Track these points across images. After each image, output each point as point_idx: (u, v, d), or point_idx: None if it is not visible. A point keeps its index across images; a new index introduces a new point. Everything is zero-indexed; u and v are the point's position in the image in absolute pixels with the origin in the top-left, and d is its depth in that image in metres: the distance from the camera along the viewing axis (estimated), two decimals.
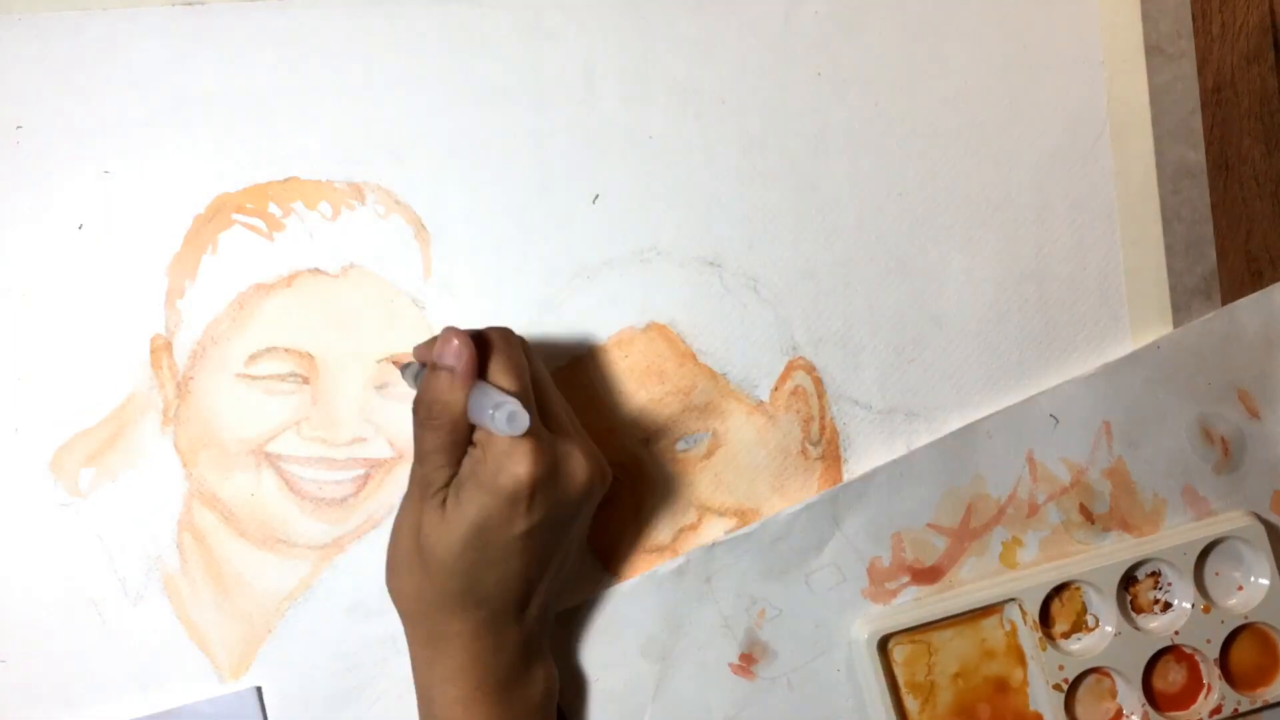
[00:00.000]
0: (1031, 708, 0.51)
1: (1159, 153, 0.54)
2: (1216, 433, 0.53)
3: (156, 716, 0.49)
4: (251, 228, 0.52)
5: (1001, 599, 0.51)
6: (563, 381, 0.52)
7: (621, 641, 0.50)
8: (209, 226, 0.51)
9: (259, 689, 0.50)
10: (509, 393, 0.42)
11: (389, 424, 0.51)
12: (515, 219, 0.52)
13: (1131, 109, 0.54)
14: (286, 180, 0.52)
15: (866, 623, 0.51)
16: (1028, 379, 0.54)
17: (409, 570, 0.44)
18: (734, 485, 0.52)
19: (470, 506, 0.42)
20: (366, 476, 0.51)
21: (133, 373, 0.51)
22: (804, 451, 0.53)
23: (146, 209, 0.51)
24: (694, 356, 0.52)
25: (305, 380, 0.51)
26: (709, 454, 0.52)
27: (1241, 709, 0.51)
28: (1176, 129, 0.54)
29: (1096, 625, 0.52)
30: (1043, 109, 0.54)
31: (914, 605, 0.51)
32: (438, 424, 0.43)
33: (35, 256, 0.50)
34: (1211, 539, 0.52)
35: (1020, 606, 0.51)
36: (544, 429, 0.43)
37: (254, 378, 0.51)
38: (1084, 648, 0.52)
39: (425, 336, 0.51)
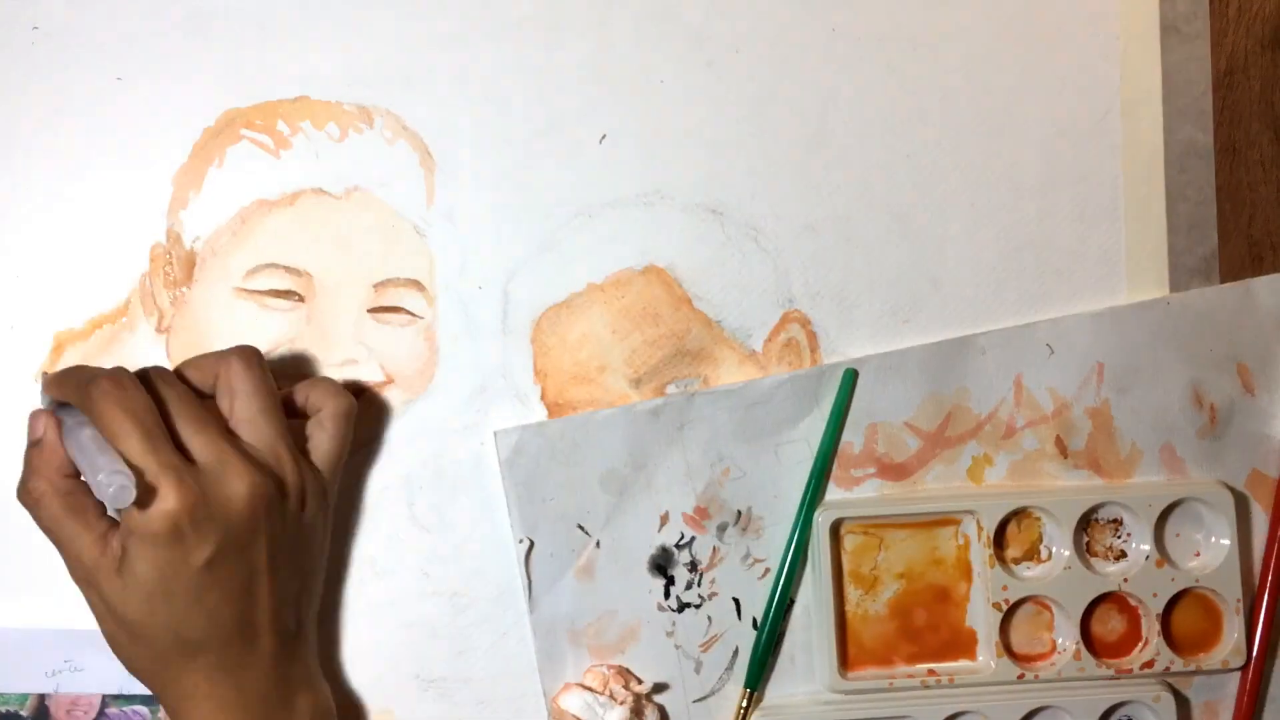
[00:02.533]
0: (968, 623, 0.52)
1: (1168, 131, 0.54)
2: (1207, 399, 0.53)
3: None
4: (259, 144, 0.52)
5: (961, 510, 0.51)
6: (557, 318, 0.52)
7: (582, 467, 0.51)
8: (217, 140, 0.52)
9: None
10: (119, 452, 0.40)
11: (382, 347, 0.51)
12: (521, 153, 0.52)
13: (1143, 86, 0.54)
14: (297, 99, 0.52)
15: (824, 508, 0.51)
16: None
17: (123, 645, 0.43)
18: None
19: (138, 562, 0.41)
20: (356, 398, 0.51)
21: (131, 279, 0.51)
22: None
23: (156, 118, 0.51)
24: (690, 302, 0.53)
25: (301, 299, 0.51)
26: None
27: (1174, 668, 0.51)
28: (1187, 109, 0.54)
29: (1049, 557, 0.52)
30: (1055, 80, 0.54)
31: (876, 500, 0.52)
32: (38, 498, 0.42)
33: (43, 157, 0.51)
34: (1179, 497, 0.52)
35: (978, 521, 0.51)
36: (177, 458, 0.41)
37: (250, 292, 0.51)
38: (1032, 575, 0.52)
39: (425, 263, 0.52)
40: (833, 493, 0.52)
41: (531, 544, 0.50)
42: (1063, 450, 0.53)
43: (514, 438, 0.50)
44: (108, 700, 0.49)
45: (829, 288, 0.53)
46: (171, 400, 0.44)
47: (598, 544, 0.51)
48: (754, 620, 0.51)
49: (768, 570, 0.52)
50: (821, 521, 0.50)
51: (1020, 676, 0.51)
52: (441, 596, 0.51)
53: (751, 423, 0.51)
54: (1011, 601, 0.51)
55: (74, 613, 0.46)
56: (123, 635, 0.43)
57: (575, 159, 0.53)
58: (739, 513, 0.51)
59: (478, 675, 0.51)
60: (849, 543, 0.52)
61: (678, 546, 0.51)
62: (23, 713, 0.49)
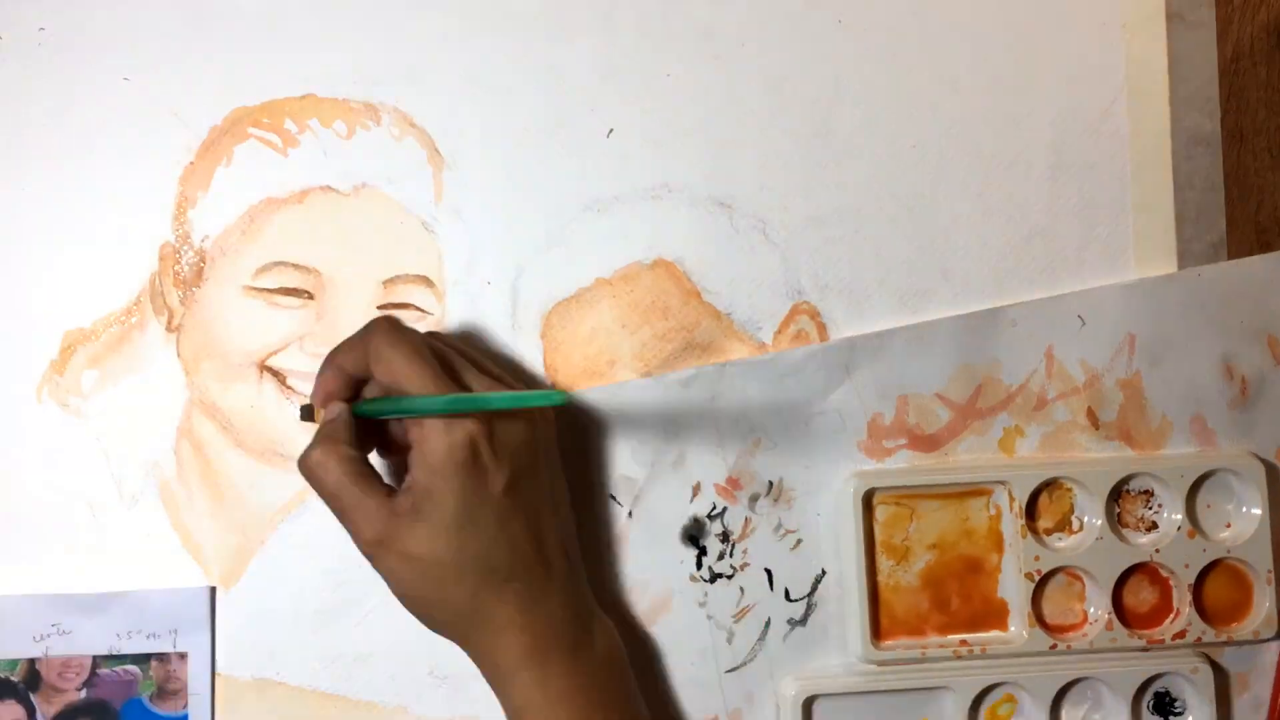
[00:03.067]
0: (999, 594, 0.52)
1: (1174, 119, 0.54)
2: (1238, 370, 0.53)
3: (107, 595, 0.49)
4: (267, 142, 0.52)
5: (992, 481, 0.52)
6: (566, 313, 0.52)
7: (613, 439, 0.51)
8: (225, 139, 0.52)
9: (213, 589, 0.50)
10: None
11: None
12: (529, 149, 0.52)
13: (1149, 74, 0.54)
14: (304, 97, 0.52)
15: (856, 475, 0.51)
16: None
17: (429, 596, 0.43)
18: None
19: (442, 495, 0.41)
20: None
21: (140, 279, 0.51)
22: None
23: (164, 118, 0.51)
24: (699, 295, 0.53)
25: (311, 296, 0.51)
26: None
27: (1205, 639, 0.51)
28: (1193, 97, 0.54)
29: (1081, 528, 0.52)
30: (1061, 69, 0.54)
31: (908, 470, 0.52)
32: (327, 474, 0.43)
33: (51, 157, 0.51)
34: (1211, 468, 0.52)
35: (1009, 491, 0.51)
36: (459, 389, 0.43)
37: (260, 290, 0.51)
38: (1064, 546, 0.52)
39: (433, 259, 0.52)
40: (863, 463, 0.52)
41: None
42: (1094, 422, 0.53)
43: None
44: (99, 661, 0.49)
45: (838, 279, 0.53)
46: (439, 345, 0.45)
47: (630, 514, 0.51)
48: (786, 591, 0.51)
49: (799, 541, 0.52)
50: (854, 491, 0.51)
51: (1052, 647, 0.51)
52: None
53: (783, 394, 0.52)
54: (1043, 572, 0.51)
55: (58, 577, 0.47)
56: (429, 585, 0.43)
57: (583, 153, 0.53)
58: (770, 483, 0.52)
59: None
60: (880, 513, 0.52)
61: (710, 517, 0.52)
62: (13, 678, 0.49)
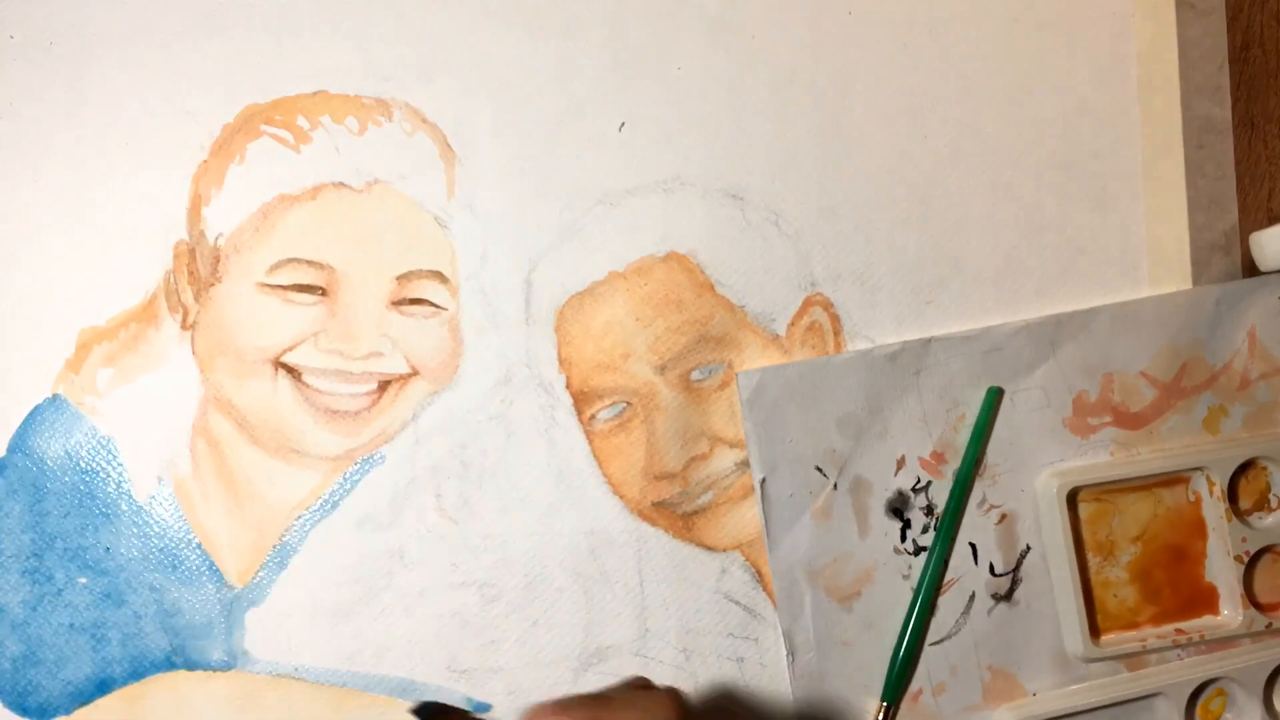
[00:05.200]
0: (1207, 578, 0.52)
1: (1185, 107, 0.54)
2: None
3: None
4: (279, 139, 0.52)
5: (1191, 467, 0.52)
6: (580, 306, 0.52)
7: (820, 410, 0.51)
8: (237, 137, 0.52)
9: None
10: None
11: (406, 339, 0.51)
12: (541, 143, 0.52)
13: (1160, 63, 0.54)
14: (315, 94, 0.52)
15: (1057, 475, 0.51)
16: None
17: None
18: None
19: None
20: (381, 391, 0.51)
21: (155, 277, 0.51)
22: None
23: (176, 117, 0.51)
24: (712, 287, 0.53)
25: (325, 293, 0.51)
26: (724, 385, 0.52)
27: None
28: (1203, 85, 0.54)
29: (1279, 505, 0.52)
30: (1071, 59, 0.54)
31: (1106, 464, 0.52)
32: None
33: (65, 158, 0.51)
34: None
35: (1208, 477, 0.51)
36: None
37: (274, 287, 0.51)
38: (1268, 524, 0.52)
39: (446, 255, 0.52)
40: (1067, 442, 0.52)
41: (764, 480, 0.51)
42: None
43: (755, 378, 0.51)
44: None
45: (851, 271, 0.53)
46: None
47: (835, 486, 0.51)
48: (990, 566, 0.51)
49: (1004, 516, 0.52)
50: (1056, 491, 0.51)
51: (1269, 626, 0.51)
52: (470, 587, 0.51)
53: (988, 369, 0.52)
54: (1251, 553, 0.51)
55: None
56: None
57: (595, 148, 0.53)
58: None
59: (508, 665, 0.51)
60: (1084, 511, 0.52)
61: (914, 490, 0.52)
62: None
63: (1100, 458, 0.52)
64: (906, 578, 0.51)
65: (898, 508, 0.52)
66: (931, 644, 0.51)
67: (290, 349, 0.51)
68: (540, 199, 0.52)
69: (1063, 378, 0.52)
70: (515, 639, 0.51)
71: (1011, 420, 0.52)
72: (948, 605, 0.51)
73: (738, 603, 0.52)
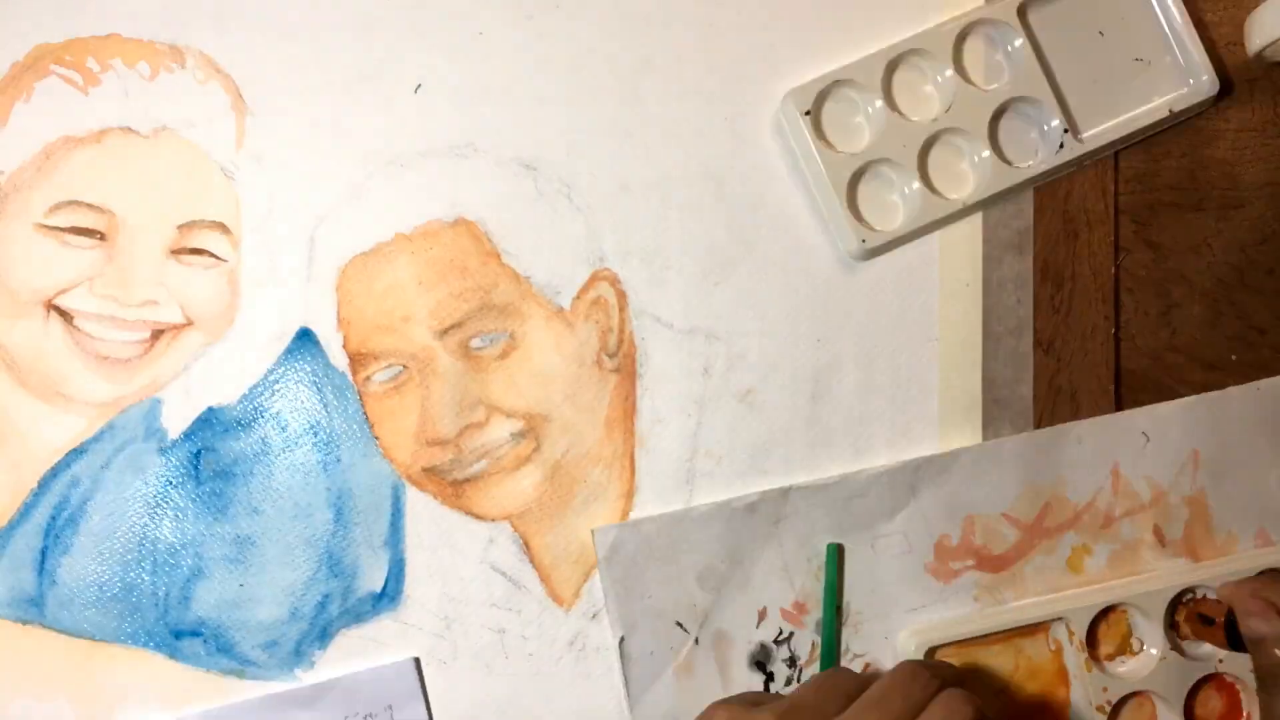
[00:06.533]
0: None
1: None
2: None
3: (319, 685, 0.50)
4: (68, 80, 0.51)
5: (1049, 618, 0.51)
6: (364, 266, 0.52)
7: (679, 564, 0.51)
8: (26, 75, 0.51)
9: (417, 659, 0.50)
10: None
11: (182, 289, 0.51)
12: (335, 100, 0.52)
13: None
14: (108, 36, 0.51)
15: (915, 633, 0.51)
16: (833, 313, 0.53)
17: None
18: (526, 389, 0.52)
19: None
20: (154, 339, 0.51)
21: None
22: (599, 362, 0.52)
23: None
24: (499, 256, 0.52)
25: (103, 237, 0.51)
26: (504, 355, 0.52)
27: None
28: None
29: (1141, 649, 0.52)
30: None
31: (963, 619, 0.51)
32: None
33: None
34: (1264, 567, 0.52)
35: (1068, 626, 0.51)
36: None
37: (52, 229, 0.51)
38: (1129, 670, 0.52)
39: (230, 207, 0.51)
40: (929, 588, 0.52)
41: (623, 639, 0.50)
42: (1160, 539, 0.53)
43: (611, 535, 0.50)
44: None
45: (640, 247, 0.53)
46: None
47: (696, 640, 0.51)
48: None
49: (867, 665, 0.51)
50: (914, 650, 0.50)
51: None
52: (230, 543, 0.51)
53: (848, 517, 0.51)
54: (1114, 702, 0.51)
55: None
56: None
57: (389, 108, 0.52)
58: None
59: (261, 620, 0.51)
60: None
61: (776, 642, 0.51)
62: None
63: (963, 603, 0.52)
64: None
65: (760, 660, 0.51)
66: None
67: (64, 292, 0.51)
68: (330, 156, 0.52)
69: (924, 522, 0.52)
70: (270, 597, 0.51)
71: (873, 568, 0.52)
72: None
73: (503, 573, 0.52)
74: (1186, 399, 0.53)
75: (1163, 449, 0.53)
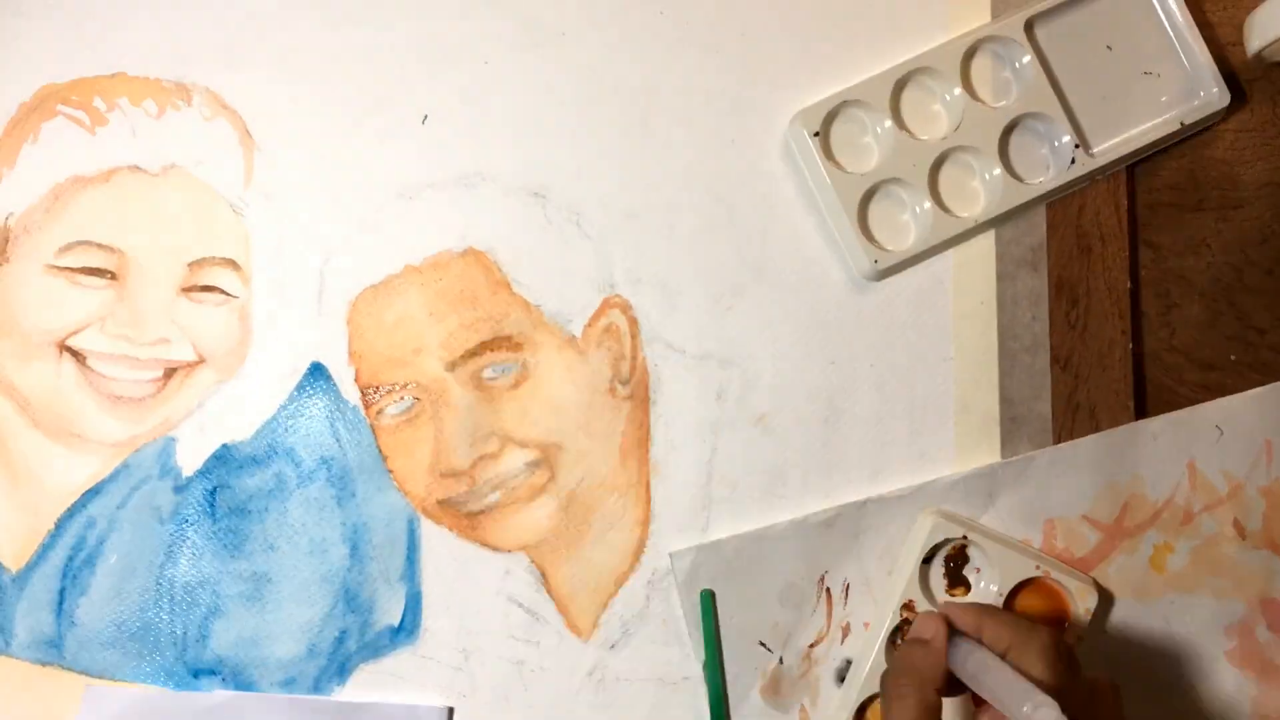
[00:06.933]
0: None
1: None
2: None
3: (347, 705, 0.49)
4: (75, 120, 0.51)
5: None
6: (374, 299, 0.51)
7: (759, 584, 0.50)
8: (33, 116, 0.51)
9: (450, 709, 0.50)
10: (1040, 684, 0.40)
11: (195, 327, 0.51)
12: (342, 133, 0.52)
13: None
14: (114, 75, 0.52)
15: None
16: (846, 335, 0.53)
17: None
18: (540, 419, 0.52)
19: None
20: (167, 377, 0.51)
21: None
22: (612, 390, 0.52)
23: None
24: (509, 286, 0.52)
25: (114, 277, 0.51)
26: (516, 384, 0.52)
27: None
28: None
29: None
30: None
31: None
32: (904, 693, 0.42)
33: None
34: None
35: None
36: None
37: (63, 269, 0.51)
38: None
39: (240, 243, 0.51)
40: None
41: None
42: (1240, 532, 0.52)
43: (689, 558, 0.50)
44: None
45: (651, 274, 0.53)
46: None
47: (781, 660, 0.51)
48: None
49: None
50: None
51: None
52: (247, 580, 0.51)
53: None
54: None
55: None
56: None
57: (397, 140, 0.52)
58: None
59: (280, 658, 0.50)
60: None
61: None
62: None
63: None
64: None
65: (844, 676, 0.51)
66: None
67: (76, 332, 0.51)
68: (339, 190, 0.52)
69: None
70: (287, 634, 0.50)
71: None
72: None
73: (520, 605, 0.51)
74: (1257, 390, 0.53)
75: (1236, 441, 0.52)
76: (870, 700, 0.50)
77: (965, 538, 0.50)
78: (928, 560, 0.50)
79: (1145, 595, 0.52)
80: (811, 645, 0.51)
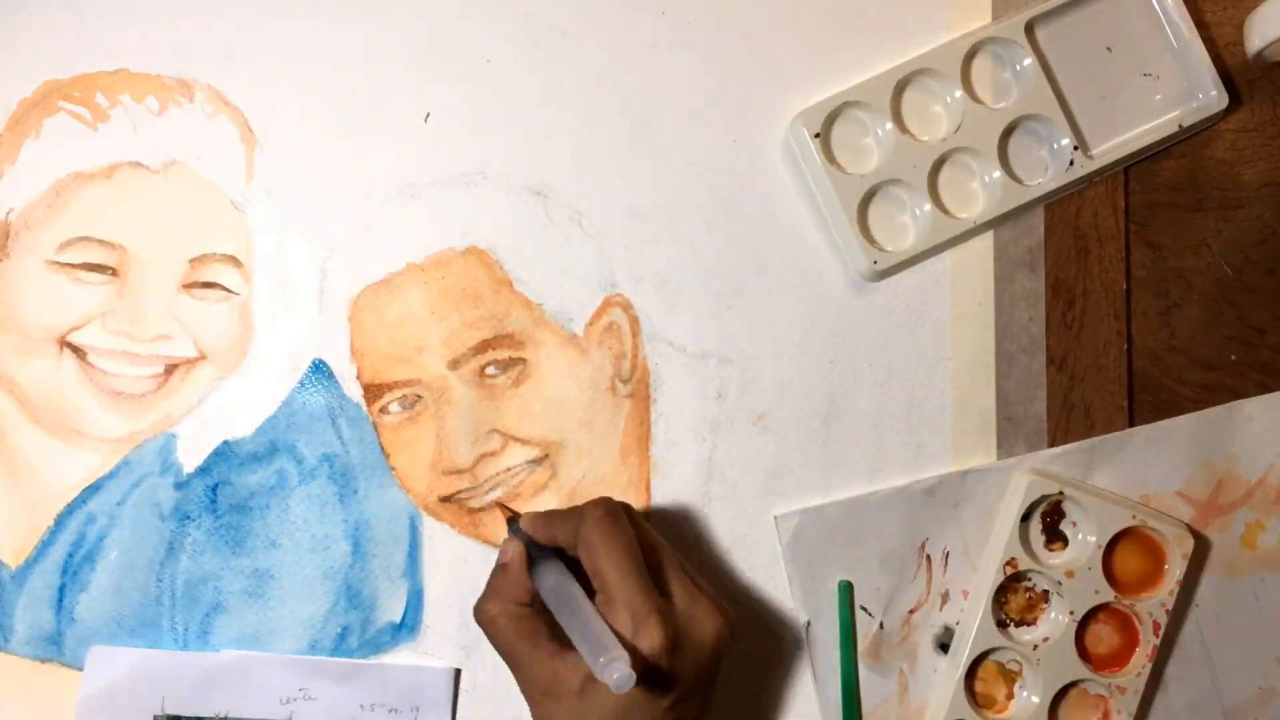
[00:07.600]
0: None
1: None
2: None
3: (357, 665, 0.50)
4: (76, 116, 0.51)
5: None
6: (375, 297, 0.52)
7: (861, 549, 0.51)
8: (34, 112, 0.51)
9: (457, 670, 0.50)
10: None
11: (195, 323, 0.51)
12: (344, 131, 0.52)
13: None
14: (116, 71, 0.51)
15: None
16: (845, 335, 0.53)
17: None
18: (541, 416, 0.52)
19: (608, 696, 0.40)
20: (168, 374, 0.51)
21: None
22: (613, 388, 0.52)
23: None
24: (510, 284, 0.52)
25: (115, 273, 0.51)
26: (518, 382, 0.52)
27: None
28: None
29: None
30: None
31: None
32: (491, 617, 0.43)
33: None
34: None
35: None
36: (661, 601, 0.41)
37: (63, 265, 0.51)
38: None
39: (242, 240, 0.51)
40: None
41: (809, 624, 0.51)
42: None
43: (794, 521, 0.51)
44: None
45: (652, 272, 0.53)
46: (649, 539, 0.44)
47: (881, 625, 0.51)
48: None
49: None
50: None
51: None
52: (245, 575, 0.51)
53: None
54: None
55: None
56: None
57: (399, 138, 0.52)
58: None
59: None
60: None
61: (960, 624, 0.52)
62: None
63: None
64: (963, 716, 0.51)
65: (945, 642, 0.52)
66: None
67: (77, 328, 0.51)
68: (341, 187, 0.52)
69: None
70: (289, 631, 0.50)
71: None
72: None
73: None
74: None
75: None
76: (977, 663, 0.51)
77: (1061, 493, 0.51)
78: (1026, 519, 0.51)
79: (1236, 571, 0.53)
80: (911, 611, 0.52)
